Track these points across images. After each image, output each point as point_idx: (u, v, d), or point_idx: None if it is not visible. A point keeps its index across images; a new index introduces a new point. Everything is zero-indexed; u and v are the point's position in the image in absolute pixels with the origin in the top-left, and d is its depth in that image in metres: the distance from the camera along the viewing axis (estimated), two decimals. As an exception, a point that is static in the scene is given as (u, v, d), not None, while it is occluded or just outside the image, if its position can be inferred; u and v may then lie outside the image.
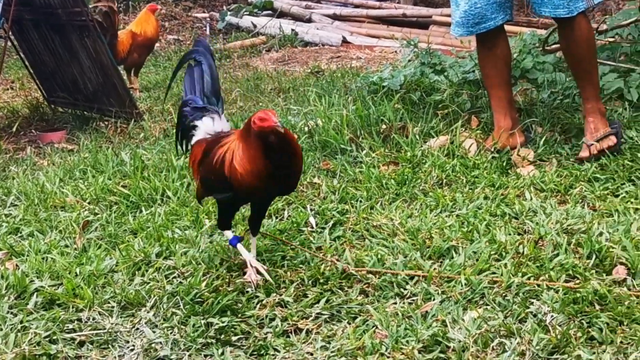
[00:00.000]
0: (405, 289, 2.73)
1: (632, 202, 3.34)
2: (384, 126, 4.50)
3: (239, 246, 2.90)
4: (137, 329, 2.62)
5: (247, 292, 2.77)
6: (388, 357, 2.36)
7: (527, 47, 5.48)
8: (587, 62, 3.99)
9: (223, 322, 2.57)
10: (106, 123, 5.87)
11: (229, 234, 2.95)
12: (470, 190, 3.58)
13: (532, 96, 4.81)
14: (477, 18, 3.99)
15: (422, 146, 4.18)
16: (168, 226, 3.39)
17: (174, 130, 3.34)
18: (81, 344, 2.56)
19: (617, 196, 3.43)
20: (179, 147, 3.20)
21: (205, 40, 3.31)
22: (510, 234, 3.06)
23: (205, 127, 3.06)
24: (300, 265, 2.96)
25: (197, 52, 3.23)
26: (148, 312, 2.68)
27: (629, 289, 2.61)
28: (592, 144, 3.84)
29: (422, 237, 3.06)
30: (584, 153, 3.85)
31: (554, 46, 5.67)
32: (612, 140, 3.86)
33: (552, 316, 2.45)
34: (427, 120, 4.57)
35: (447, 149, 4.14)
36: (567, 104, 4.66)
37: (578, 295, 2.54)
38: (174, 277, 2.89)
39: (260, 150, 2.69)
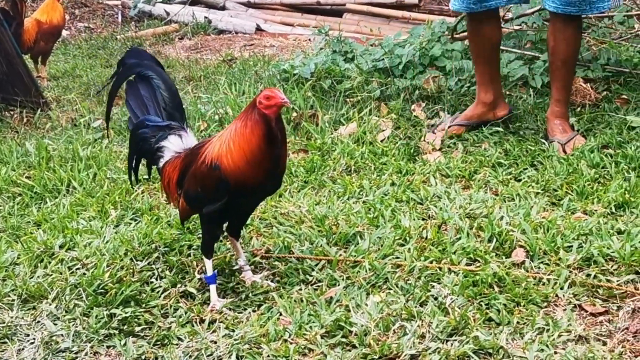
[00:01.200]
0: (310, 275, 2.74)
1: (533, 187, 3.42)
2: (294, 114, 4.51)
3: (213, 288, 2.64)
4: (38, 321, 2.58)
5: (152, 282, 2.75)
6: (291, 343, 2.37)
7: (436, 35, 5.55)
8: (571, 64, 3.99)
9: (126, 313, 2.55)
10: (11, 113, 5.71)
11: (210, 267, 2.65)
12: (377, 177, 3.62)
13: (440, 83, 4.88)
14: None
15: (332, 134, 4.20)
16: (73, 217, 3.33)
17: (127, 159, 3.04)
18: (-21, 338, 2.50)
19: (519, 181, 3.52)
20: (132, 177, 2.91)
21: (143, 49, 2.81)
22: (414, 219, 3.10)
23: (174, 146, 2.77)
24: (207, 254, 2.94)
25: (140, 66, 2.87)
26: (50, 305, 2.64)
27: (527, 271, 2.68)
28: (566, 143, 3.81)
29: (329, 224, 3.08)
30: (559, 153, 3.78)
31: (462, 34, 5.76)
32: (581, 140, 3.87)
33: (451, 299, 2.50)
34: (337, 108, 4.60)
35: (356, 136, 4.18)
36: (473, 91, 4.74)
37: (477, 277, 2.60)
38: (77, 269, 2.85)
39: (264, 137, 2.47)
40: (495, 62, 4.22)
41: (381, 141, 4.18)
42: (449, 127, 4.17)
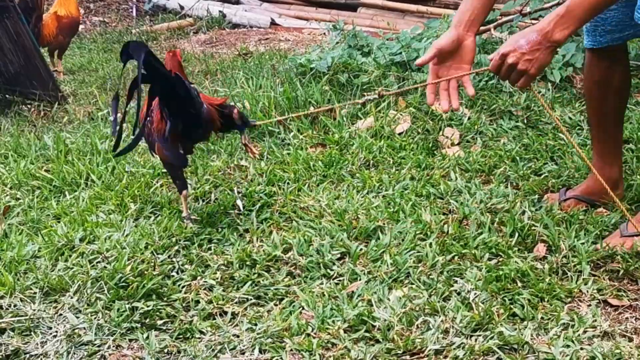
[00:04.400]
0: (332, 270, 2.73)
1: (553, 181, 3.40)
2: (312, 108, 4.50)
3: None
4: (60, 314, 2.57)
5: (172, 275, 2.75)
6: (314, 338, 2.36)
7: (453, 30, 5.53)
8: (624, 99, 3.17)
9: (148, 306, 2.54)
10: (29, 107, 5.73)
11: None
12: (396, 171, 3.60)
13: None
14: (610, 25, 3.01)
15: (349, 128, 4.19)
16: (92, 210, 3.33)
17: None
18: (2, 331, 2.50)
19: (539, 175, 3.50)
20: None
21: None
22: (435, 214, 3.09)
23: None
24: (227, 248, 2.94)
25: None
26: (71, 298, 2.64)
27: (550, 266, 2.66)
28: (629, 236, 2.82)
29: (349, 218, 3.07)
30: (612, 239, 2.83)
31: (481, 27, 5.72)
32: None
33: (475, 294, 2.48)
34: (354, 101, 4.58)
35: (374, 130, 4.17)
36: (491, 85, 4.72)
37: (501, 272, 2.59)
38: (98, 262, 2.84)
39: None
40: (621, 121, 3.22)
41: (399, 134, 4.16)
42: (564, 200, 3.21)
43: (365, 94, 4.72)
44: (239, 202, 3.35)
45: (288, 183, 3.53)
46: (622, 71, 3.10)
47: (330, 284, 2.65)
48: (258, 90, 4.75)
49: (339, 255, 2.82)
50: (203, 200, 3.46)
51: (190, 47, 7.43)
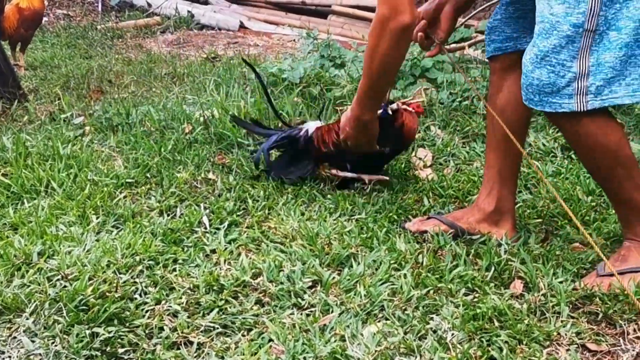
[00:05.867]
0: (303, 299, 2.63)
1: (528, 211, 3.34)
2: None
3: None
4: (15, 337, 2.43)
5: (135, 298, 2.62)
6: (284, 375, 2.26)
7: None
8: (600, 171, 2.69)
9: (109, 332, 2.41)
10: (-13, 103, 5.53)
11: None
12: (369, 194, 3.51)
13: (431, 96, 4.79)
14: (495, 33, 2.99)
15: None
16: (52, 222, 3.18)
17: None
18: (-49, 354, 2.36)
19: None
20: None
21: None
22: (409, 242, 3.00)
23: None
24: (193, 270, 2.82)
25: None
26: (27, 319, 2.49)
27: (528, 305, 2.58)
28: (606, 275, 2.66)
29: (321, 243, 2.97)
30: (589, 279, 2.70)
31: (452, 45, 5.68)
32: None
33: (452, 334, 2.40)
34: (326, 116, 4.49)
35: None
36: (465, 106, 4.67)
37: (478, 311, 2.50)
38: (57, 280, 2.70)
39: None
40: (517, 152, 2.97)
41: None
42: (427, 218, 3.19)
43: (337, 108, 4.63)
44: (205, 219, 3.23)
45: (258, 201, 3.42)
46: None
47: (301, 315, 2.54)
48: (228, 99, 4.64)
49: (310, 283, 2.72)
50: (168, 215, 3.33)
51: (157, 47, 7.26)
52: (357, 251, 2.92)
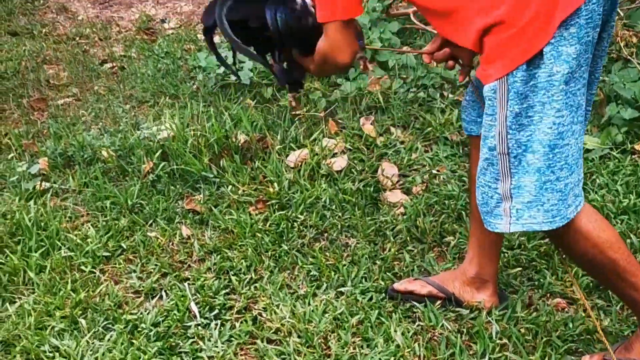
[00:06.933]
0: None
1: (507, 256, 3.42)
2: (242, 139, 4.32)
3: None
4: None
5: None
6: None
7: (372, 16, 5.33)
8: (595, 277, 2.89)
9: None
10: None
11: None
12: (348, 249, 3.54)
13: (384, 87, 4.73)
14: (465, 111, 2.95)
15: (283, 162, 4.06)
16: (43, 337, 3.15)
17: None
18: None
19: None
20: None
21: None
22: (401, 322, 3.07)
23: None
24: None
25: None
26: None
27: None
28: None
29: (318, 341, 3.01)
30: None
31: (400, 11, 5.53)
32: None
33: None
34: (284, 127, 4.44)
35: (311, 165, 4.05)
36: (422, 98, 4.64)
37: None
38: None
39: None
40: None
41: (338, 172, 4.08)
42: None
43: (294, 114, 4.56)
44: (193, 307, 3.24)
45: (241, 271, 3.43)
46: None
47: None
48: (183, 118, 4.51)
49: None
50: (153, 297, 3.34)
51: (83, 9, 6.93)
52: (355, 349, 2.97)
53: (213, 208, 3.85)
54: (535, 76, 2.27)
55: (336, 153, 4.25)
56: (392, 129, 4.45)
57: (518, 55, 2.27)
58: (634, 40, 4.87)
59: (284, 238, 3.60)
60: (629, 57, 4.46)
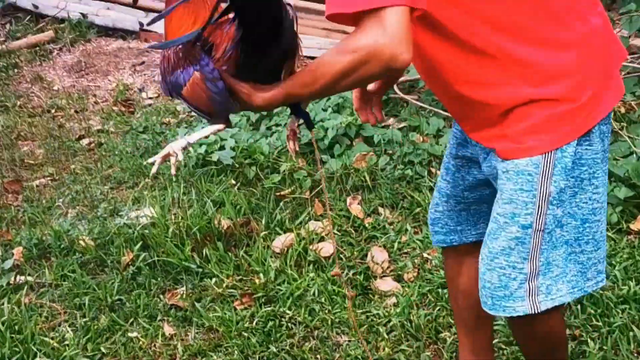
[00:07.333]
0: None
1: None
2: (225, 225, 4.18)
3: None
4: None
5: None
6: None
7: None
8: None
9: None
10: None
11: None
12: (337, 347, 3.38)
13: (372, 164, 4.61)
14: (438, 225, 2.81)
15: (269, 251, 3.92)
16: None
17: None
18: None
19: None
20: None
21: None
22: None
23: None
24: None
25: None
26: None
27: None
28: None
29: None
30: None
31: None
32: None
33: None
34: (269, 209, 4.30)
35: (297, 252, 3.91)
36: (409, 176, 4.51)
37: None
38: None
39: None
40: (477, 328, 2.90)
41: (325, 258, 3.94)
42: None
43: (280, 195, 4.43)
44: None
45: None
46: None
47: None
48: (163, 202, 4.36)
49: None
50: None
51: (58, 77, 6.78)
52: None
53: (196, 303, 3.68)
54: (582, 153, 2.21)
55: (323, 237, 4.12)
56: (380, 209, 4.32)
57: (572, 131, 2.17)
58: (622, 110, 4.79)
59: (272, 338, 3.44)
60: (618, 131, 4.37)
